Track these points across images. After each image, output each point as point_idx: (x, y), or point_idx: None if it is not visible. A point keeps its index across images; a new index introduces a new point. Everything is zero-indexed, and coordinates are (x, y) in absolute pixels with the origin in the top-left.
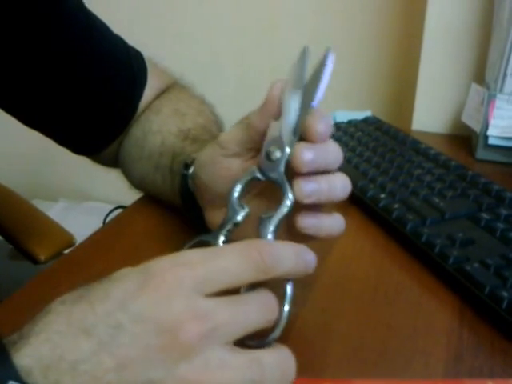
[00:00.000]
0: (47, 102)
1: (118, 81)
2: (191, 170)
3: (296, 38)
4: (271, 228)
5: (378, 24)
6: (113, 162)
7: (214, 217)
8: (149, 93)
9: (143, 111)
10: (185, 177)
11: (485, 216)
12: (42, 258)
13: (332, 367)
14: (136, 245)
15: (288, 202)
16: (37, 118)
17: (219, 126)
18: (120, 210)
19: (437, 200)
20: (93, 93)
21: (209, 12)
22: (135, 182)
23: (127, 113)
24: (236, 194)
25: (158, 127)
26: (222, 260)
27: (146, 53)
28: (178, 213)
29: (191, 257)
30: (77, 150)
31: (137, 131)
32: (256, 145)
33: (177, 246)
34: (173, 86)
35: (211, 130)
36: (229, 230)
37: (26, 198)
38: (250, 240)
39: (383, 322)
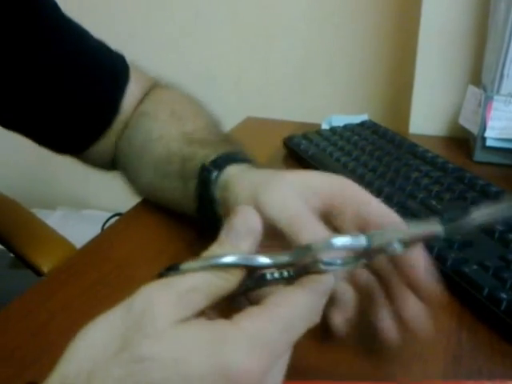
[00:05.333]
0: (23, 100)
1: (97, 78)
2: (216, 178)
3: (291, 45)
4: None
5: (372, 27)
6: (103, 163)
7: None
8: (135, 92)
9: (138, 115)
10: (205, 182)
11: None
12: (45, 269)
13: (330, 370)
14: (132, 253)
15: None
16: (13, 118)
17: (218, 125)
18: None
19: (434, 203)
20: (71, 90)
21: (203, 25)
22: (141, 191)
23: (109, 110)
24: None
25: (157, 134)
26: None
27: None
28: (175, 220)
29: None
30: (57, 148)
31: (136, 140)
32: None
33: (173, 254)
34: (162, 87)
35: (214, 131)
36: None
37: (26, 208)
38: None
39: None
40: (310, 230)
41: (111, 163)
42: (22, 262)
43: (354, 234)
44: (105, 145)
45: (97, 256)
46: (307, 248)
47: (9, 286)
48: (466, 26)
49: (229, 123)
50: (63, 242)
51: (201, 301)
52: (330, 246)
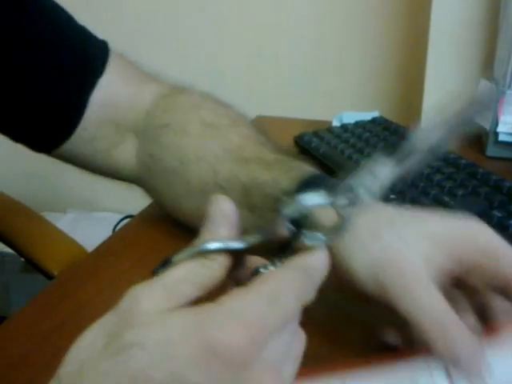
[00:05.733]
0: None
1: (63, 67)
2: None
3: (301, 43)
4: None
5: (383, 23)
6: (83, 164)
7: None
8: (115, 86)
9: (157, 127)
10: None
11: (496, 213)
12: (55, 272)
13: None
14: (144, 255)
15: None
16: None
17: (257, 130)
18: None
19: (447, 199)
20: (31, 81)
21: (211, 22)
22: (187, 218)
23: (74, 104)
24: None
25: (196, 153)
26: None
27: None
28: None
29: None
30: (30, 145)
31: (166, 161)
32: None
33: None
34: (176, 90)
35: (260, 140)
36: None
37: (36, 211)
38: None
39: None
40: (453, 339)
41: (99, 167)
42: (33, 265)
43: (318, 190)
44: (77, 143)
45: (108, 258)
46: (278, 213)
47: (21, 290)
48: (477, 20)
49: None
50: (73, 244)
51: (188, 291)
52: (298, 206)
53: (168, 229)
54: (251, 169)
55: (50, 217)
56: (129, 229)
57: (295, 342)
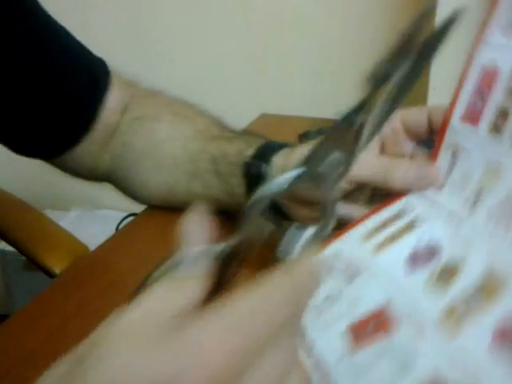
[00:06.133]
0: None
1: (75, 82)
2: (266, 172)
3: (306, 39)
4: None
5: (386, 24)
6: (79, 171)
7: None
8: (118, 99)
9: (131, 120)
10: (256, 178)
11: None
12: (57, 271)
13: None
14: (147, 253)
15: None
16: None
17: (224, 122)
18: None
19: None
20: (45, 93)
21: (217, 20)
22: (150, 195)
23: (86, 116)
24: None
25: (167, 134)
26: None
27: (151, 66)
28: None
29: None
30: (27, 152)
31: (137, 144)
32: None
33: None
34: (151, 93)
35: (225, 126)
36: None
37: (38, 209)
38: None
39: None
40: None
41: (89, 172)
42: (35, 263)
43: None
44: (82, 151)
45: (112, 256)
46: (259, 192)
47: (23, 288)
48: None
49: (244, 120)
50: (76, 242)
51: (162, 318)
52: (277, 184)
53: (171, 227)
54: (218, 143)
55: (52, 215)
56: (132, 227)
57: (295, 377)
